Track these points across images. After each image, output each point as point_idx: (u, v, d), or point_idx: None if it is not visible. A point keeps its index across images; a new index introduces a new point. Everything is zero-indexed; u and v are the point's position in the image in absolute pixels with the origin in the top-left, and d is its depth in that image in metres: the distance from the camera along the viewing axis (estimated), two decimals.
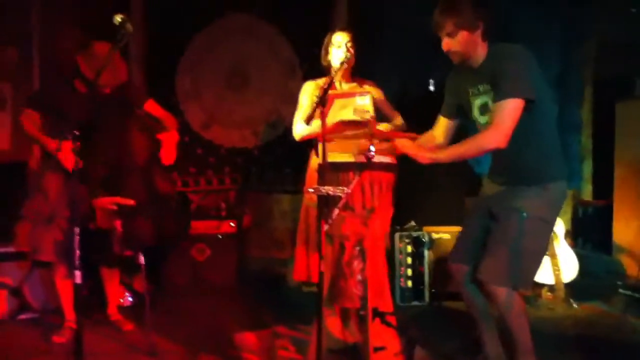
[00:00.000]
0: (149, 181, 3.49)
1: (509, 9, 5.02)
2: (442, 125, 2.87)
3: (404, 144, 2.67)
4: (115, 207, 3.19)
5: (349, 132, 3.04)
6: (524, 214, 2.53)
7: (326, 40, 3.33)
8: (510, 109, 2.39)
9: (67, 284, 3.41)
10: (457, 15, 2.48)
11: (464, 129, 2.90)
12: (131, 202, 3.20)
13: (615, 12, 2.73)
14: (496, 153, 2.60)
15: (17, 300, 3.79)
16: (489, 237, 2.64)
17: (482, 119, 2.62)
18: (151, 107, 3.59)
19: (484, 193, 2.83)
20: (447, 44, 2.55)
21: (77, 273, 2.45)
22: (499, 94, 2.42)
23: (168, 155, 3.43)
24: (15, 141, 4.47)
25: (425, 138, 2.88)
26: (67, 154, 3.10)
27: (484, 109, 2.59)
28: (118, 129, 3.47)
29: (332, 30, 3.37)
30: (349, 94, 3.19)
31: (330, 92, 3.14)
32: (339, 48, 3.22)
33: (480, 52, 2.56)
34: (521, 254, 2.53)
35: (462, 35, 2.51)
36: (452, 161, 2.57)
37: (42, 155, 3.46)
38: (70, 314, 3.45)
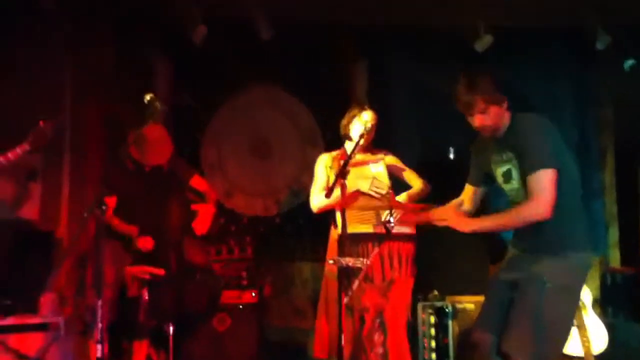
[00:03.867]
0: (179, 252, 3.58)
1: (526, 79, 5.11)
2: (468, 192, 2.89)
3: (442, 215, 2.67)
4: (147, 276, 3.26)
5: (369, 203, 3.08)
6: (546, 283, 2.51)
7: (353, 111, 3.40)
8: (548, 180, 2.43)
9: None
10: (485, 92, 2.53)
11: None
12: (161, 271, 3.26)
13: (631, 76, 2.78)
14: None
15: None
16: (512, 307, 2.60)
17: (506, 186, 2.65)
18: (196, 182, 3.76)
19: (506, 260, 2.79)
20: (480, 120, 2.56)
21: (99, 347, 2.47)
22: (531, 166, 2.46)
23: (202, 226, 3.55)
24: (44, 211, 4.57)
25: (454, 203, 2.90)
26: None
27: (507, 177, 2.62)
28: (159, 202, 3.62)
29: (359, 104, 3.47)
30: (363, 163, 3.25)
31: (342, 161, 3.21)
32: (362, 125, 3.26)
33: (506, 122, 2.61)
34: (545, 325, 2.50)
35: (493, 109, 2.55)
36: (493, 231, 2.60)
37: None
38: None
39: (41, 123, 3.07)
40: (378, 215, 3.09)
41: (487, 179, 2.81)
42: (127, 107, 4.29)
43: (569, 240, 2.58)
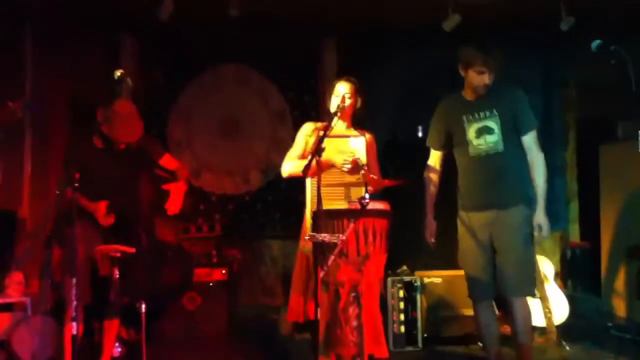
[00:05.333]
0: (150, 230, 3.54)
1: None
2: (439, 159, 3.33)
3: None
4: (118, 254, 3.22)
5: (339, 179, 3.12)
6: (525, 230, 3.09)
7: (332, 85, 3.41)
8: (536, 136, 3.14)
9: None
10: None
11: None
12: (132, 250, 3.23)
13: (594, 58, 2.91)
14: (487, 176, 3.11)
15: (4, 353, 3.72)
16: (501, 258, 3.09)
17: (477, 141, 3.12)
18: (166, 161, 3.71)
19: (473, 226, 3.18)
20: (490, 78, 3.05)
21: (73, 324, 2.45)
22: (528, 126, 3.11)
23: (174, 205, 3.51)
24: (5, 191, 4.45)
25: (434, 178, 3.33)
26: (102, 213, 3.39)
27: (483, 132, 3.10)
28: (128, 179, 3.58)
29: (328, 78, 3.47)
30: (343, 136, 3.27)
31: (321, 132, 3.21)
32: (337, 97, 3.28)
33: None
34: (531, 264, 3.17)
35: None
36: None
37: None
38: None
39: (10, 103, 2.98)
40: (349, 191, 3.13)
41: (449, 138, 3.25)
42: (93, 86, 4.20)
43: (527, 193, 3.13)
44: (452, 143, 3.25)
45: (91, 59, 4.78)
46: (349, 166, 3.08)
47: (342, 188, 3.18)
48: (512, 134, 3.10)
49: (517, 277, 3.07)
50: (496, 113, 3.08)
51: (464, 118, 3.15)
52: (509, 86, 3.17)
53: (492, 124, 3.08)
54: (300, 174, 3.11)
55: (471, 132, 3.12)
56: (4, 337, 3.70)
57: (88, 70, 4.67)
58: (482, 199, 3.15)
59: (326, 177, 3.18)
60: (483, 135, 3.10)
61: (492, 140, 3.08)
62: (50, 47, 4.66)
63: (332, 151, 3.13)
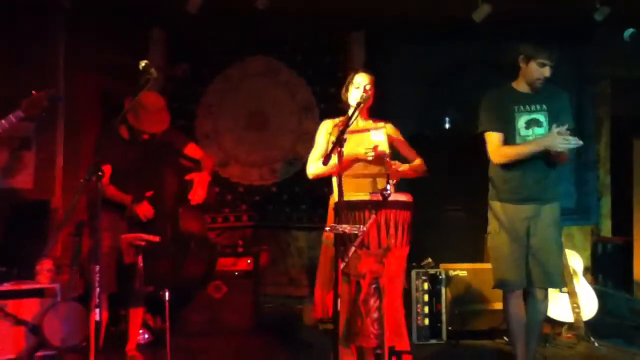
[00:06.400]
0: (174, 220, 3.59)
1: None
2: (501, 140, 3.25)
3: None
4: (143, 243, 3.27)
5: (365, 171, 3.10)
6: (561, 226, 3.27)
7: (349, 78, 3.38)
8: None
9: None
10: None
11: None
12: (156, 238, 3.27)
13: (628, 50, 2.83)
14: (534, 168, 3.16)
15: (36, 337, 3.81)
16: (541, 251, 3.18)
17: (524, 132, 3.21)
18: (191, 150, 3.75)
19: (510, 217, 3.21)
20: (550, 72, 3.17)
21: (96, 311, 2.49)
22: (568, 123, 3.14)
23: (197, 195, 3.55)
24: (38, 181, 4.56)
25: None
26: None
27: (532, 124, 3.20)
28: (152, 170, 3.62)
29: (354, 70, 3.44)
30: (364, 130, 3.25)
31: (341, 128, 3.20)
32: (357, 89, 3.27)
33: None
34: (558, 255, 3.28)
35: None
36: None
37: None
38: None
39: (34, 93, 3.04)
40: (375, 183, 3.11)
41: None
42: (123, 78, 4.25)
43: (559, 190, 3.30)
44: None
45: (122, 52, 4.86)
46: (372, 153, 3.05)
47: (369, 179, 3.17)
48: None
49: (557, 269, 3.24)
50: (546, 108, 3.20)
51: (515, 108, 3.23)
52: (555, 86, 3.28)
53: (542, 117, 3.20)
54: (325, 171, 3.10)
55: (520, 123, 3.22)
56: (36, 322, 3.80)
57: (119, 63, 4.74)
58: (527, 192, 3.18)
59: (352, 168, 3.18)
60: (532, 127, 3.20)
61: (540, 133, 3.18)
62: (82, 40, 4.74)
63: (354, 146, 3.11)
